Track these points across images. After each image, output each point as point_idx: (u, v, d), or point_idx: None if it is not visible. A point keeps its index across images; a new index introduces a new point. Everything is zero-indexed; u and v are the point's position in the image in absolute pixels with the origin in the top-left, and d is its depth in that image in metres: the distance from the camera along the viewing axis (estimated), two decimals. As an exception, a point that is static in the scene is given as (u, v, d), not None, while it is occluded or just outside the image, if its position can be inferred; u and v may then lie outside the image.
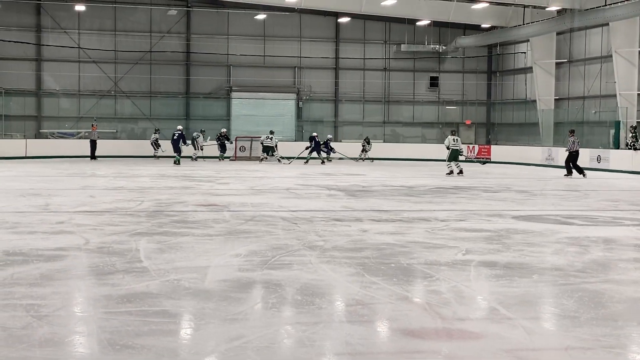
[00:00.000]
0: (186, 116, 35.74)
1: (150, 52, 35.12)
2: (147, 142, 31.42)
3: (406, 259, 7.02)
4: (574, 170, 22.01)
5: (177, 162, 26.33)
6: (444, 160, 22.74)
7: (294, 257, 7.02)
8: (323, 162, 29.34)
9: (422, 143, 37.03)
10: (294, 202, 12.67)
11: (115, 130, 34.90)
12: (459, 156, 22.36)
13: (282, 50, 36.27)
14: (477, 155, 32.62)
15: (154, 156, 30.63)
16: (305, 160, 29.60)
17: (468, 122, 38.37)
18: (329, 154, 31.34)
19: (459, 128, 37.20)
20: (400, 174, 22.66)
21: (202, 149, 30.30)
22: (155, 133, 31.28)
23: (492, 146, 34.09)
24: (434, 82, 38.50)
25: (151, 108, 35.67)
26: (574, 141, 22.12)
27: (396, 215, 10.86)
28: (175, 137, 27.23)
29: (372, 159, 32.20)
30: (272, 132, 30.19)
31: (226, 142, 31.01)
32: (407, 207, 12.10)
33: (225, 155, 30.92)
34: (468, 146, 32.36)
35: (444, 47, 36.93)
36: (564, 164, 22.96)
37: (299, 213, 10.90)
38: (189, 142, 29.09)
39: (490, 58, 38.89)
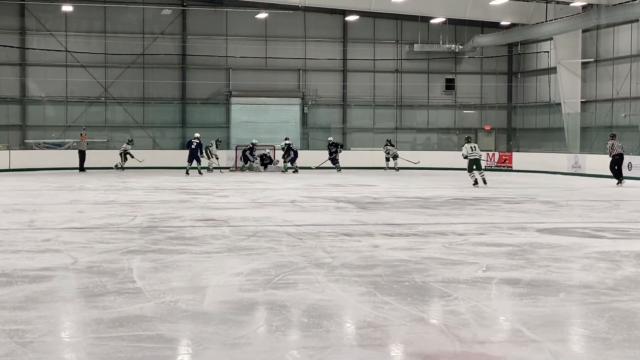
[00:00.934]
0: (182, 124, 35.83)
1: (143, 55, 35.26)
2: (139, 152, 30.90)
3: (421, 277, 7.01)
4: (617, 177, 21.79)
5: (189, 172, 26.96)
6: (462, 169, 22.65)
7: (299, 276, 7.01)
8: (296, 171, 29.37)
9: (438, 150, 37.01)
10: (299, 216, 12.68)
11: (105, 140, 35.00)
12: (480, 163, 22.04)
13: (286, 52, 36.37)
14: (497, 163, 32.59)
15: (117, 166, 30.10)
16: (283, 169, 29.86)
17: (487, 127, 38.34)
18: (337, 161, 31.16)
19: (477, 134, 37.19)
20: (415, 184, 22.65)
21: (217, 158, 30.31)
22: (127, 143, 30.84)
23: (513, 153, 34.06)
24: (450, 85, 38.49)
25: (144, 115, 35.78)
26: (613, 144, 22.05)
27: (410, 229, 10.86)
28: (193, 147, 27.47)
29: (394, 168, 31.83)
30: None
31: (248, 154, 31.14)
32: (422, 220, 12.09)
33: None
34: (487, 153, 32.27)
35: (460, 47, 36.95)
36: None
37: (305, 227, 10.90)
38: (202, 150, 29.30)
39: (510, 58, 38.89)
